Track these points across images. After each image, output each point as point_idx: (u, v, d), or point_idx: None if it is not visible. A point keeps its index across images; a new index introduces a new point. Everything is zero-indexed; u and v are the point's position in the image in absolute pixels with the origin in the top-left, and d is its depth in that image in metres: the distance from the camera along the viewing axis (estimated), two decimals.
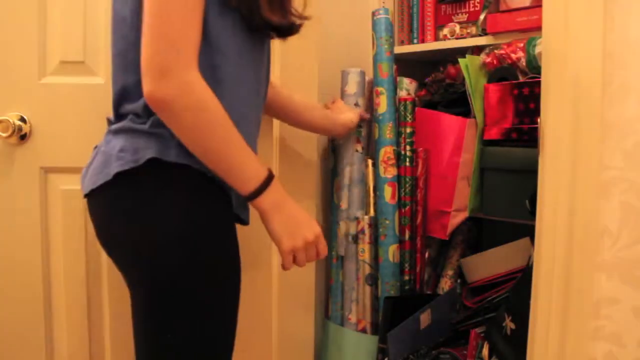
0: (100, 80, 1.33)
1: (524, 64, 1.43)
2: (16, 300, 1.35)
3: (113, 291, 1.37)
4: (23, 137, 1.32)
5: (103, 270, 1.37)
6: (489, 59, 1.50)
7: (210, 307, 0.91)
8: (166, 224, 0.88)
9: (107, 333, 1.39)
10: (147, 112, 0.89)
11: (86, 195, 0.96)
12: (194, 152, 0.87)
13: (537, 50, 1.39)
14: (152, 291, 0.89)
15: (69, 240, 1.36)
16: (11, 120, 1.29)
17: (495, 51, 1.48)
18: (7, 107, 1.31)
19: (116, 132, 0.93)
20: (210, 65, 0.88)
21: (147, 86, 0.81)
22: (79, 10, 1.32)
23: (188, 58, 0.81)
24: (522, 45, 1.43)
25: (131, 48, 0.89)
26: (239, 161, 0.88)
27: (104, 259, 1.36)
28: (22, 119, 1.31)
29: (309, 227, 0.97)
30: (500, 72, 1.48)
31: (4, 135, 1.28)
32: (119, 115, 0.95)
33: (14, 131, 1.29)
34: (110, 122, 0.98)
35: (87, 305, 1.38)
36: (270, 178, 0.91)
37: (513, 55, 1.44)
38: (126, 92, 0.93)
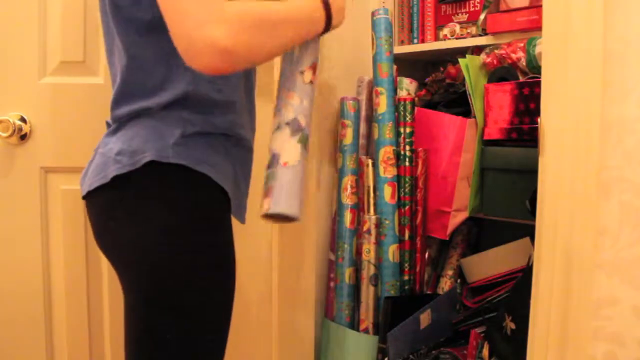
0: (100, 80, 1.33)
1: (524, 64, 1.43)
2: (16, 300, 1.35)
3: (113, 291, 1.37)
4: (23, 137, 1.32)
5: (103, 270, 1.37)
6: (489, 59, 1.50)
7: (202, 313, 0.91)
8: (163, 227, 0.87)
9: (107, 333, 1.39)
10: (146, 110, 0.89)
11: (84, 197, 0.95)
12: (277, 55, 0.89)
13: (537, 50, 1.39)
14: (143, 295, 0.88)
15: (69, 240, 1.36)
16: (11, 120, 1.29)
17: (495, 51, 1.48)
18: (7, 107, 1.31)
19: (113, 133, 0.93)
20: None
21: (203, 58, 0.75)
22: (79, 10, 1.32)
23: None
24: (522, 45, 1.43)
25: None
26: (306, 26, 0.91)
27: (104, 259, 1.36)
28: (22, 119, 1.31)
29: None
30: (500, 72, 1.48)
31: (4, 135, 1.29)
32: (115, 116, 0.94)
33: (14, 131, 1.29)
34: (108, 125, 0.98)
35: (87, 305, 1.38)
36: (326, 5, 0.93)
37: (513, 55, 1.44)
38: (128, 92, 0.92)
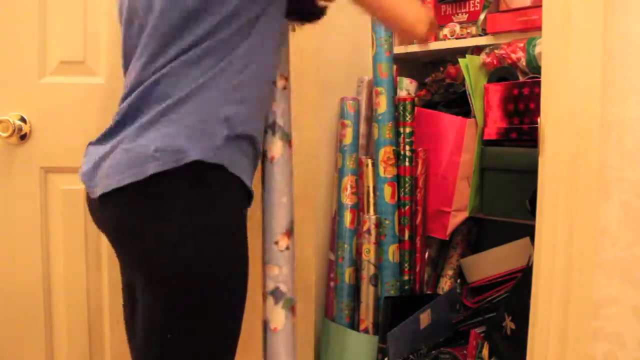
0: (100, 80, 1.33)
1: (524, 64, 1.43)
2: (16, 300, 1.35)
3: (113, 291, 1.37)
4: (23, 137, 1.32)
5: (103, 270, 1.37)
6: (489, 59, 1.50)
7: (226, 311, 0.94)
8: (204, 225, 0.89)
9: (107, 333, 1.39)
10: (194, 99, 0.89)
11: (103, 195, 0.91)
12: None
13: (537, 50, 1.39)
14: (174, 293, 0.89)
15: (69, 240, 1.35)
16: (11, 120, 1.29)
17: (495, 51, 1.48)
18: (7, 107, 1.31)
19: (144, 129, 0.90)
20: (262, 38, 0.95)
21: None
22: (79, 10, 1.32)
23: None
24: (522, 45, 1.43)
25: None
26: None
27: (104, 259, 1.36)
28: (22, 119, 1.31)
29: None
30: (500, 72, 1.48)
31: (4, 135, 1.28)
32: (140, 108, 0.92)
33: (14, 131, 1.29)
34: (118, 120, 0.95)
35: (87, 305, 1.38)
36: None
37: (513, 55, 1.44)
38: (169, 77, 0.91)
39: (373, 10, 1.08)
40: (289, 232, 1.14)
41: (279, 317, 1.10)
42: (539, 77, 1.08)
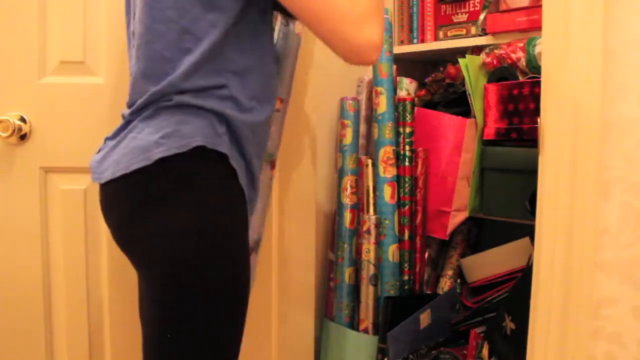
0: (100, 80, 1.33)
1: (524, 64, 1.43)
2: (16, 301, 1.35)
3: (113, 291, 1.37)
4: (23, 137, 1.32)
5: (103, 270, 1.37)
6: (489, 59, 1.50)
7: (235, 302, 0.95)
8: (207, 214, 0.91)
9: (107, 333, 1.39)
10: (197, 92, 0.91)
11: (109, 182, 0.92)
12: None
13: (537, 50, 1.39)
14: (180, 280, 0.90)
15: (69, 240, 1.35)
16: (11, 120, 1.28)
17: (495, 51, 1.48)
18: (7, 107, 1.31)
19: (150, 118, 0.92)
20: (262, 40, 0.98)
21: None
22: (79, 10, 1.32)
23: None
24: (522, 45, 1.43)
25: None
26: None
27: (104, 258, 1.36)
28: (22, 119, 1.31)
29: None
30: (500, 72, 1.48)
31: (4, 135, 1.28)
32: (148, 102, 0.94)
33: (14, 131, 1.29)
34: (135, 112, 0.96)
35: (87, 305, 1.37)
36: None
37: (513, 55, 1.44)
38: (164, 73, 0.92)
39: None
40: (252, 250, 1.20)
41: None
42: (539, 77, 1.08)
